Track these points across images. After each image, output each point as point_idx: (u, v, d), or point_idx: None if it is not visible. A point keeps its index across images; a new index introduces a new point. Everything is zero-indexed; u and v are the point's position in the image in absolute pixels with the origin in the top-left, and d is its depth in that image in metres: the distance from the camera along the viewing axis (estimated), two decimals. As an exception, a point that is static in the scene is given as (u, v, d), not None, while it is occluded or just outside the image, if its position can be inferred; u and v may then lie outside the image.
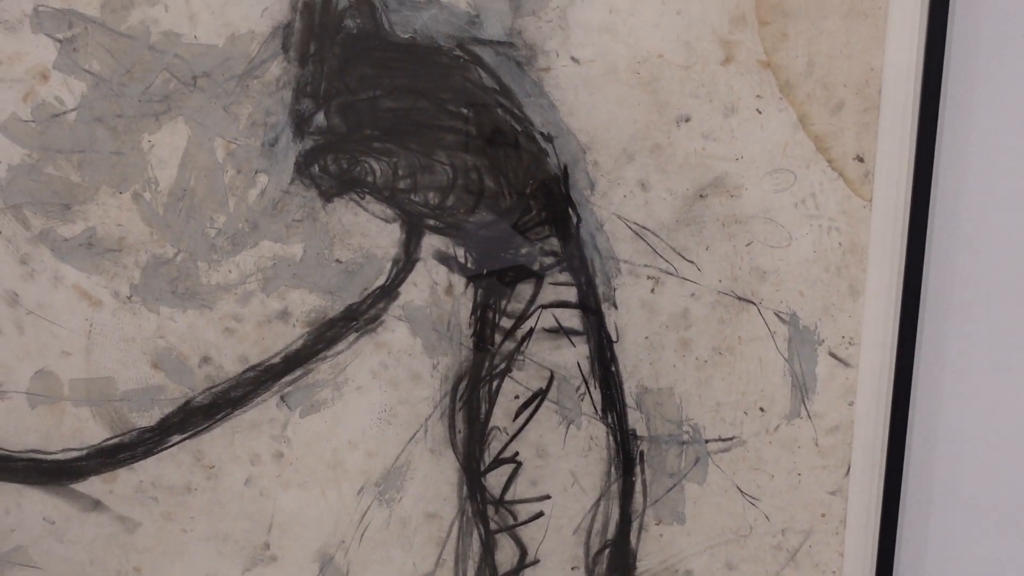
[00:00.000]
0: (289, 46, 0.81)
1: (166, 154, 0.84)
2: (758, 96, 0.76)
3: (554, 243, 0.81)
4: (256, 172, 0.84)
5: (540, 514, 0.87)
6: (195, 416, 0.89)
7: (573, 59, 0.78)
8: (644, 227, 0.80)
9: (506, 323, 0.84)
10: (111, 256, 0.87)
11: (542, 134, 0.80)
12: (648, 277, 0.81)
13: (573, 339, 0.83)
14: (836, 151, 0.76)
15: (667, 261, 0.80)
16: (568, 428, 0.85)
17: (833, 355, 0.80)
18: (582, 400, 0.84)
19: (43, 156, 0.85)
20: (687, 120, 0.77)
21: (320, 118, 0.82)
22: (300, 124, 0.82)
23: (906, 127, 0.74)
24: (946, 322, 0.79)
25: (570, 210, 0.81)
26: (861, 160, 0.75)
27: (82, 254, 0.87)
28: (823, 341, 0.80)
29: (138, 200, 0.85)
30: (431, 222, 0.82)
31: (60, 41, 0.83)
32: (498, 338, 0.83)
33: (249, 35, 0.81)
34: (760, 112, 0.76)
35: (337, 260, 0.85)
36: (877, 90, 0.74)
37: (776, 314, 0.80)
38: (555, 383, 0.84)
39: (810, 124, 0.75)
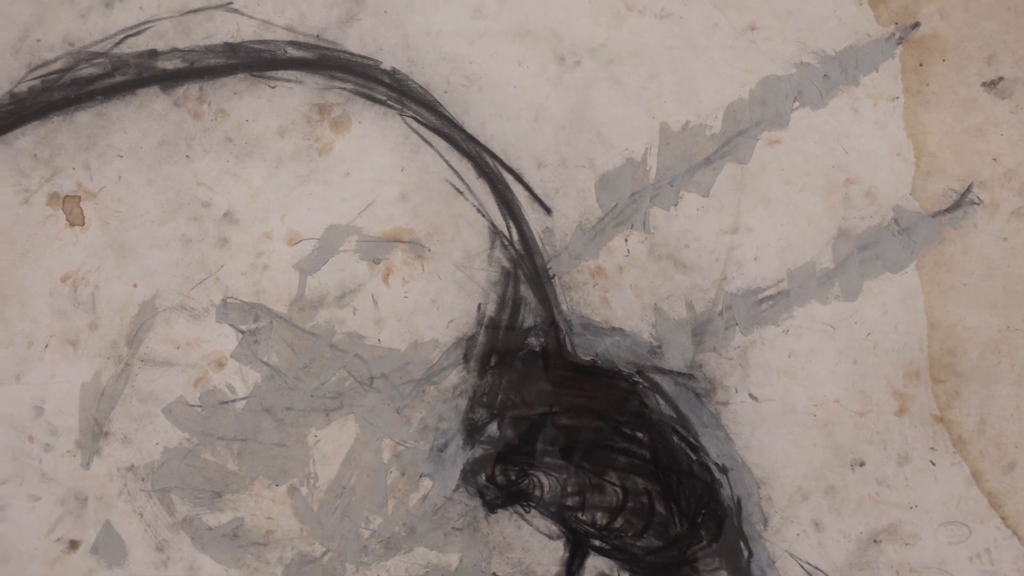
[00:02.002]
0: (471, 357, 0.79)
1: (330, 450, 0.79)
2: (932, 448, 0.74)
3: (724, 576, 0.76)
4: (421, 476, 0.78)
5: None
6: None
7: (751, 396, 0.76)
8: (817, 567, 0.75)
9: (669, 657, 0.76)
10: (255, 550, 0.79)
11: (717, 465, 0.76)
12: (821, 621, 0.75)
13: None
14: (1009, 508, 0.73)
15: (841, 606, 0.75)
16: None
17: None
18: None
19: (203, 442, 0.79)
20: (862, 464, 0.75)
21: (493, 428, 0.78)
22: (472, 432, 0.78)
23: (1079, 492, 0.72)
24: None
25: (742, 544, 0.75)
26: (1036, 520, 0.72)
27: (224, 545, 0.79)
28: None
29: (294, 494, 0.79)
30: (597, 543, 0.77)
31: (243, 332, 0.80)
32: (661, 674, 0.76)
33: (432, 343, 0.79)
34: (934, 464, 0.74)
35: (494, 573, 0.77)
36: (1048, 454, 0.73)
37: (955, 672, 0.74)
38: None
39: (983, 480, 0.73)
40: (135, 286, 0.82)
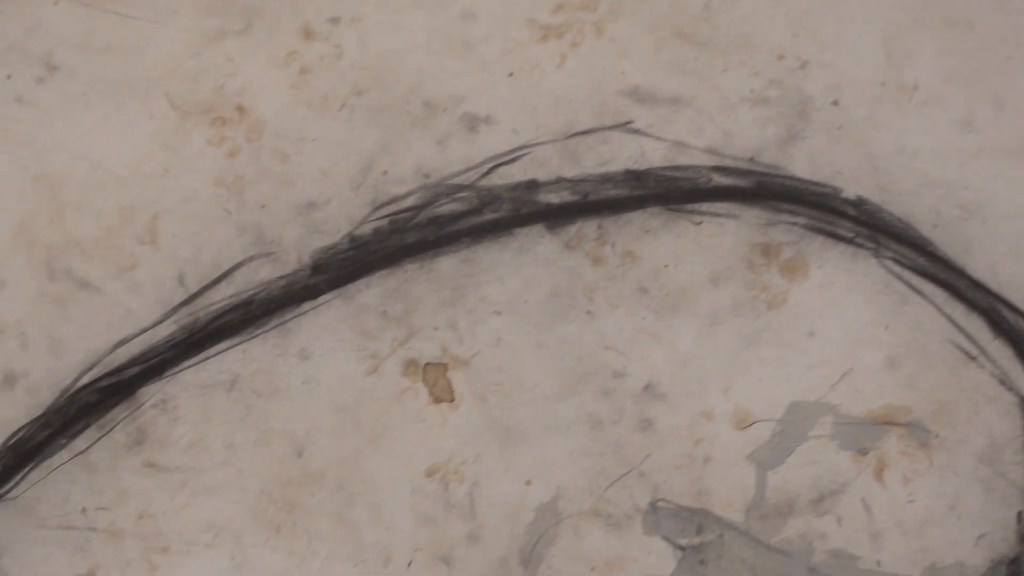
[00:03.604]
0: (1013, 588, 0.55)
1: None
2: None
3: None
4: None
5: None
6: None
7: None
8: None
9: None
10: None
11: None
12: None
13: None
14: None
15: None
16: None
17: None
18: None
19: None
20: None
21: None
22: None
23: None
24: None
25: None
26: None
27: None
28: None
29: None
30: None
31: (682, 548, 0.58)
32: None
33: (957, 568, 0.56)
34: None
35: None
36: None
37: None
38: None
39: None
40: (528, 483, 0.61)
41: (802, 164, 0.65)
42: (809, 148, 0.65)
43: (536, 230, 0.67)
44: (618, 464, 0.62)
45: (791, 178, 0.65)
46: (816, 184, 0.64)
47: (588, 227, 0.66)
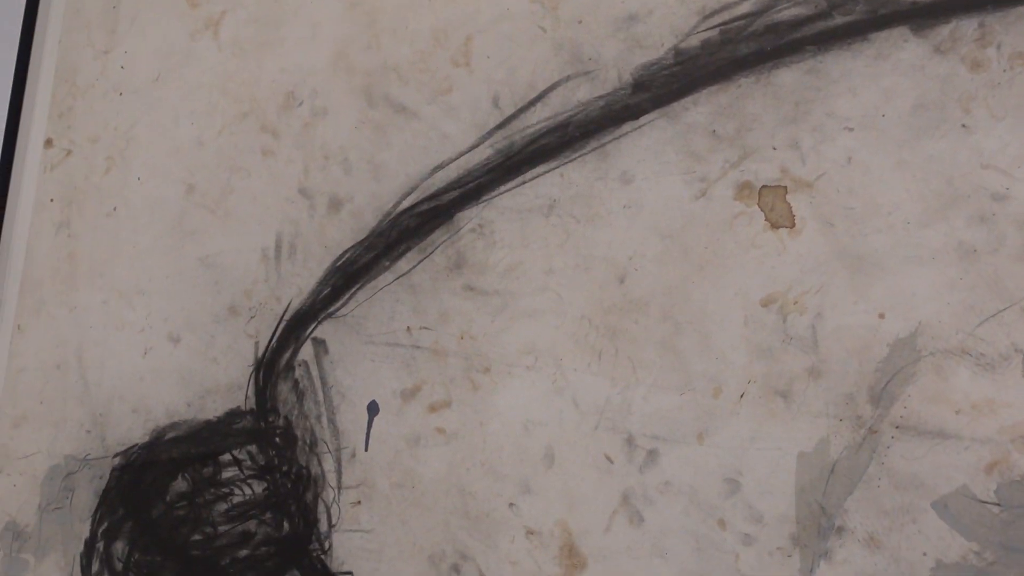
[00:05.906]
0: None
1: None
2: None
3: None
4: None
5: None
6: None
7: None
8: None
9: None
10: None
11: None
12: None
13: None
14: None
15: None
16: None
17: None
18: None
19: (1001, 558, 0.51)
20: None
21: None
22: None
23: None
24: None
25: None
26: None
27: None
28: None
29: None
30: None
31: (1072, 396, 0.50)
32: None
33: None
34: None
35: None
36: None
37: None
38: None
39: None
40: (881, 316, 0.56)
41: None
42: None
43: (898, 33, 0.59)
44: (994, 298, 0.55)
45: None
46: None
47: (966, 26, 0.57)
